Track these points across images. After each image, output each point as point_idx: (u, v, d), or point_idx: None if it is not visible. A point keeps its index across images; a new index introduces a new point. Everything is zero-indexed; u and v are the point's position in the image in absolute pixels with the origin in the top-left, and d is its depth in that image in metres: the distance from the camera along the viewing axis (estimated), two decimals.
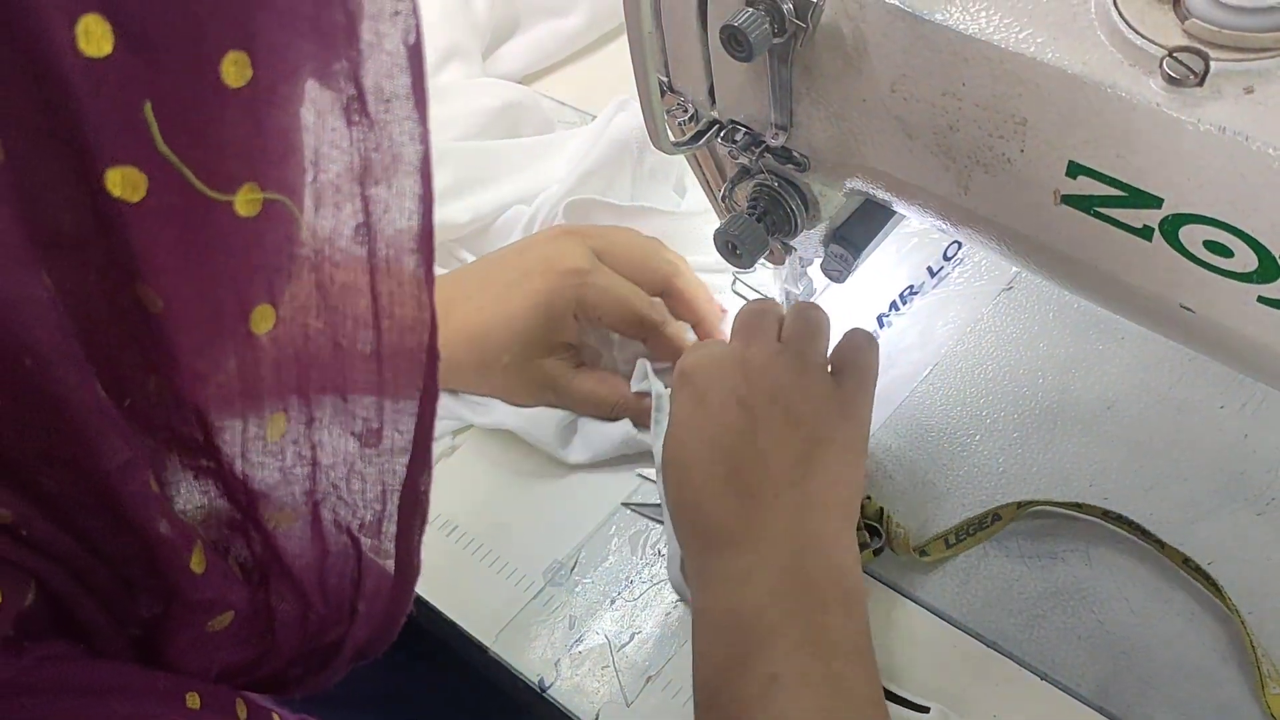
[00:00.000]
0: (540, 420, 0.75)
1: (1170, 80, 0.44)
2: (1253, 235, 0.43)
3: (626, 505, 0.73)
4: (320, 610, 0.46)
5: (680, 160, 0.83)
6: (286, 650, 0.45)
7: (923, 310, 0.78)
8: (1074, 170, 0.47)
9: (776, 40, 0.52)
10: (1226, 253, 0.45)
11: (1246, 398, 0.71)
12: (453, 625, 0.70)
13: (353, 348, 0.41)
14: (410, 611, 0.50)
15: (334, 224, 0.38)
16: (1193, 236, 0.45)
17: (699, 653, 0.59)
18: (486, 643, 0.68)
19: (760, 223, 0.62)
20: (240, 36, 0.33)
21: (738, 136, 0.60)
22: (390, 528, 0.46)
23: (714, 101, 0.60)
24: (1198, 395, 0.71)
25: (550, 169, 0.87)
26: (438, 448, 0.77)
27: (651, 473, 0.74)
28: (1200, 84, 0.43)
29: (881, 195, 0.60)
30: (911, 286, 0.79)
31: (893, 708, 0.61)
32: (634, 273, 0.75)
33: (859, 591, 0.60)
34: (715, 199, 0.68)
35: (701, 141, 0.61)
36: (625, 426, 0.74)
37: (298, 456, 0.42)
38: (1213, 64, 0.43)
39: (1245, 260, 0.44)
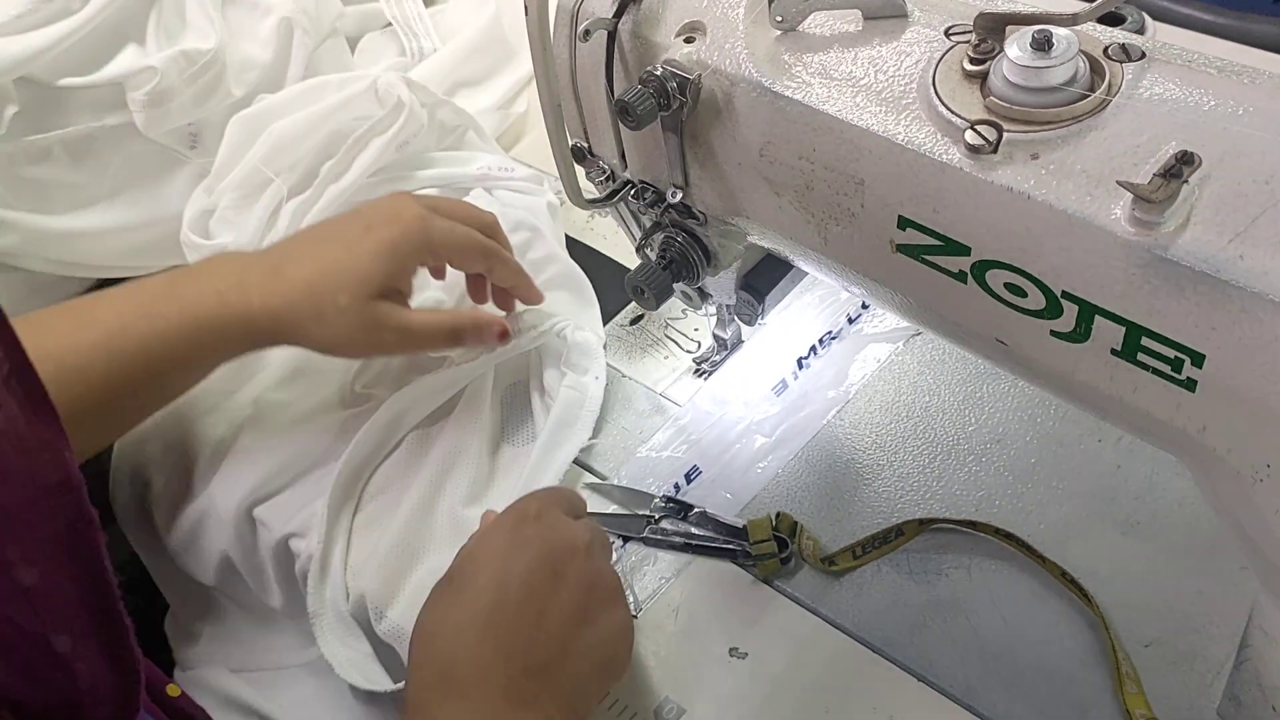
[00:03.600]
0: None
1: (970, 148, 0.52)
2: (1039, 278, 0.51)
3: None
4: (45, 712, 0.49)
5: None
6: None
7: (838, 353, 0.86)
8: (903, 223, 0.55)
9: (664, 112, 0.61)
10: (1022, 293, 0.53)
11: (1120, 434, 0.78)
12: None
13: None
14: None
15: None
16: (996, 280, 0.53)
17: None
18: None
19: (666, 270, 0.70)
20: None
21: (646, 195, 0.69)
22: (85, 634, 0.49)
23: (625, 164, 0.69)
24: (1077, 431, 0.79)
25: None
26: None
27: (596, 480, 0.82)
28: (994, 151, 0.51)
29: (775, 249, 0.68)
30: (830, 332, 0.87)
31: None
32: (465, 220, 0.81)
33: None
34: (636, 248, 0.76)
35: (615, 199, 0.70)
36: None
37: None
38: (1005, 134, 0.52)
39: (1036, 300, 0.52)
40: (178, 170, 1.00)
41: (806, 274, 0.77)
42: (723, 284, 0.75)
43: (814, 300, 0.89)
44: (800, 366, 0.86)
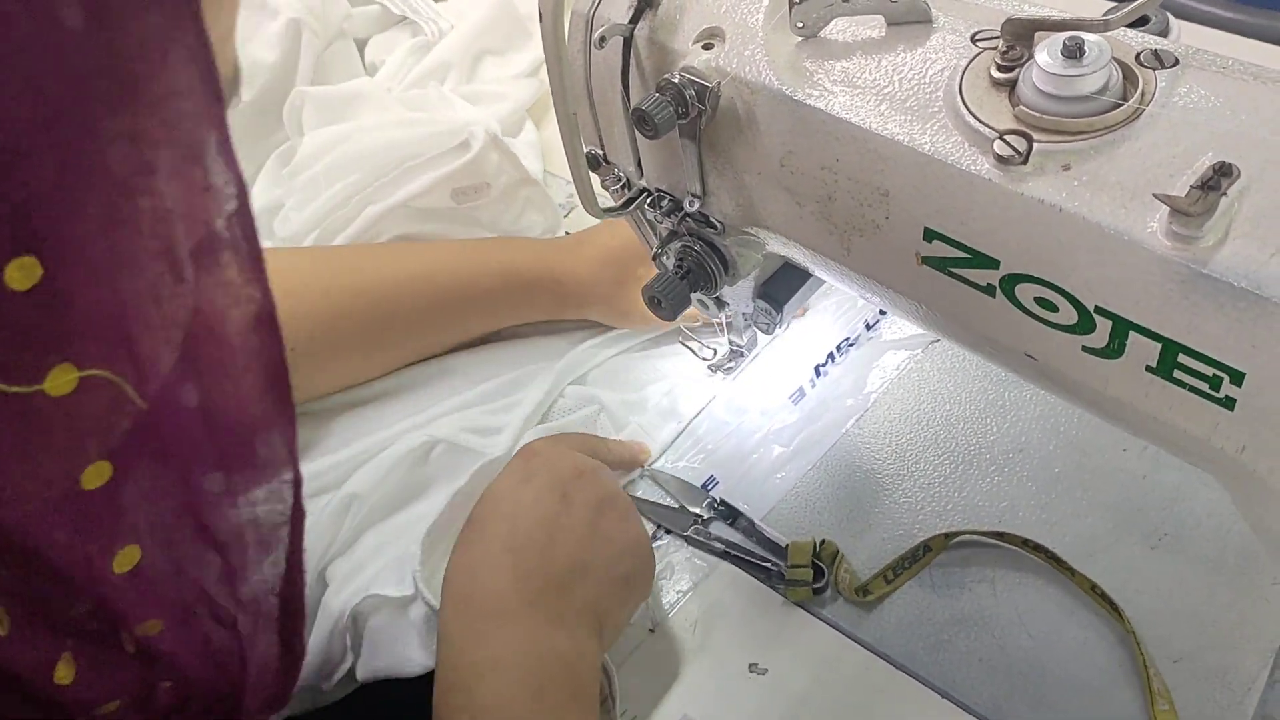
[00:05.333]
0: None
1: (999, 159, 0.50)
2: (1071, 292, 0.50)
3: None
4: (207, 691, 0.51)
5: None
6: None
7: (857, 361, 0.85)
8: (929, 235, 0.54)
9: (682, 121, 0.59)
10: (1053, 308, 0.51)
11: (1147, 442, 0.76)
12: None
13: (200, 484, 0.46)
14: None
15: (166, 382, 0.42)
16: (1026, 294, 0.52)
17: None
18: None
19: (684, 280, 0.69)
20: (25, 241, 0.35)
21: (663, 203, 0.67)
22: (269, 619, 0.52)
23: (641, 172, 0.67)
24: (1102, 439, 0.77)
25: None
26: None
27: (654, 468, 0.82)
28: (1024, 162, 0.50)
29: (793, 258, 0.67)
30: (848, 339, 0.86)
31: None
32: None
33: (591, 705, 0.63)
34: (652, 257, 0.75)
35: (631, 208, 0.68)
36: None
37: (157, 574, 0.46)
38: (1036, 145, 0.50)
39: (1068, 315, 0.51)
40: None
41: (824, 282, 0.75)
42: (740, 293, 0.74)
43: (831, 306, 0.88)
44: (818, 374, 0.85)
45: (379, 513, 0.79)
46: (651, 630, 0.74)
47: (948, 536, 0.74)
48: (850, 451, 0.81)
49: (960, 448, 0.79)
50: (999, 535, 0.74)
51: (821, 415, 0.83)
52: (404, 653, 0.71)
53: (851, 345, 0.86)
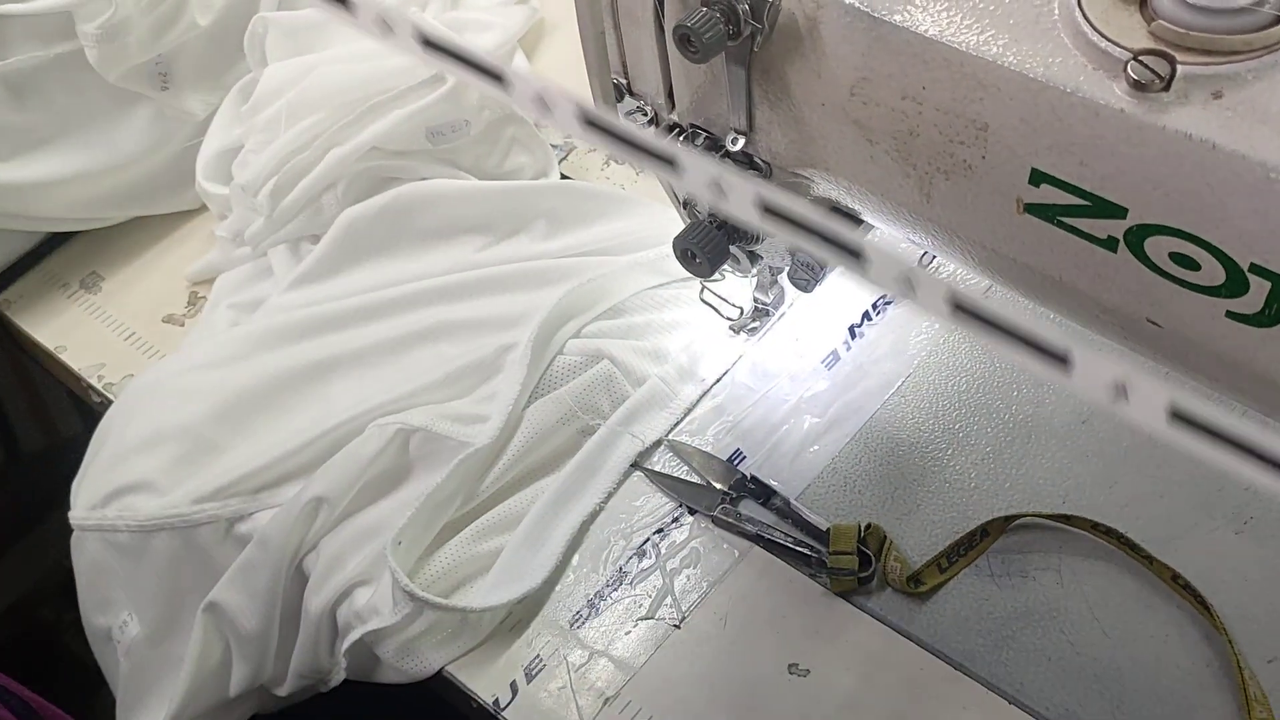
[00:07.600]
0: None
1: (1135, 85, 0.42)
2: (1220, 247, 0.42)
3: (639, 468, 0.72)
4: None
5: None
6: None
7: (896, 320, 0.77)
8: (1036, 178, 0.45)
9: (732, 42, 0.50)
10: (1194, 265, 0.43)
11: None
12: None
13: None
14: None
15: None
16: (1158, 248, 0.43)
17: None
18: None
19: (721, 230, 0.60)
20: None
21: (698, 141, 0.58)
22: None
23: (673, 105, 0.58)
24: None
25: None
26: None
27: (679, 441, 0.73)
28: (1166, 89, 0.41)
29: (846, 203, 0.58)
30: (886, 295, 0.78)
31: None
32: None
33: None
34: (678, 206, 0.66)
35: None
36: None
37: None
38: (1180, 68, 0.42)
39: (1213, 273, 0.42)
40: (136, 106, 0.89)
41: (874, 229, 0.67)
42: (775, 245, 0.65)
43: None
44: (853, 335, 0.77)
45: (355, 505, 0.72)
46: (677, 626, 0.66)
47: (1007, 519, 0.66)
48: (892, 423, 0.72)
49: (1017, 419, 0.71)
50: (1065, 518, 0.66)
51: (858, 382, 0.74)
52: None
53: (889, 303, 0.78)
